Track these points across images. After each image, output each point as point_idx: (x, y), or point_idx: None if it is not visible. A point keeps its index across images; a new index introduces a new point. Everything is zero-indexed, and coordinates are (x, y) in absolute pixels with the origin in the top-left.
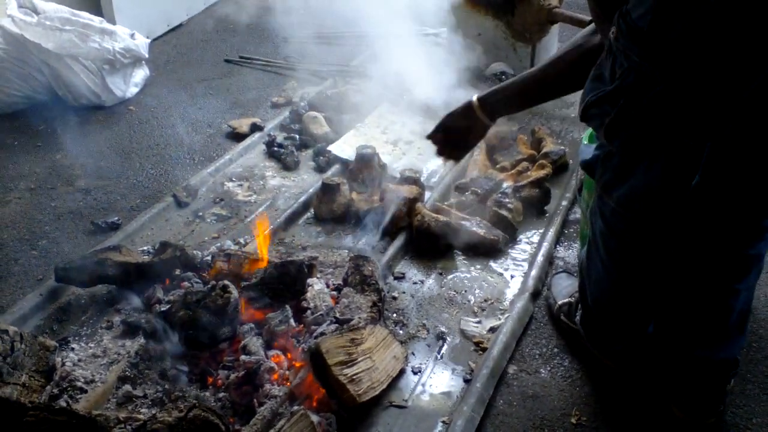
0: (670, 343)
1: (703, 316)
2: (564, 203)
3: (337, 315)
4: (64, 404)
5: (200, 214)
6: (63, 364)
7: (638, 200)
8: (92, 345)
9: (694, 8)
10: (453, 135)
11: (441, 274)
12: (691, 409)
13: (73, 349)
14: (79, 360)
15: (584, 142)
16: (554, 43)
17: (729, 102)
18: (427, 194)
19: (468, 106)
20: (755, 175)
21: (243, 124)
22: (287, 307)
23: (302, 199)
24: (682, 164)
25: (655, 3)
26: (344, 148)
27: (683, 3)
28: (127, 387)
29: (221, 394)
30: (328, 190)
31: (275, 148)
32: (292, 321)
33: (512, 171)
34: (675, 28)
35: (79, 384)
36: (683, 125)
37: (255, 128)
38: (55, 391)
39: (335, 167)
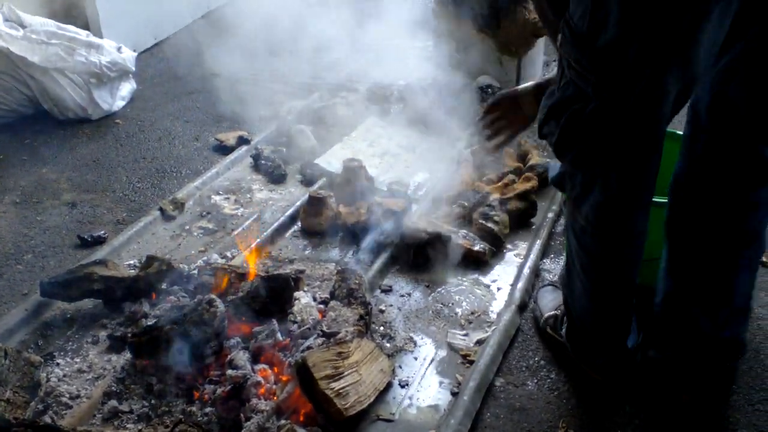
0: (678, 320)
1: (709, 291)
2: (550, 215)
3: (324, 328)
4: (49, 420)
5: (187, 227)
6: (48, 380)
7: (601, 215)
8: (78, 360)
9: (628, 5)
10: (501, 116)
11: (428, 286)
12: (697, 390)
13: (58, 364)
14: (65, 375)
15: None
16: (539, 57)
17: (658, 117)
18: (414, 207)
19: (521, 92)
20: None
21: (230, 137)
22: (274, 320)
23: (289, 212)
24: (635, 177)
25: (591, 2)
26: (331, 161)
27: (610, 4)
28: (113, 402)
29: (208, 409)
30: (314, 203)
31: (262, 162)
32: (278, 335)
33: (499, 183)
34: (605, 32)
35: (64, 399)
36: (623, 139)
37: (242, 141)
38: (40, 407)
39: (322, 180)
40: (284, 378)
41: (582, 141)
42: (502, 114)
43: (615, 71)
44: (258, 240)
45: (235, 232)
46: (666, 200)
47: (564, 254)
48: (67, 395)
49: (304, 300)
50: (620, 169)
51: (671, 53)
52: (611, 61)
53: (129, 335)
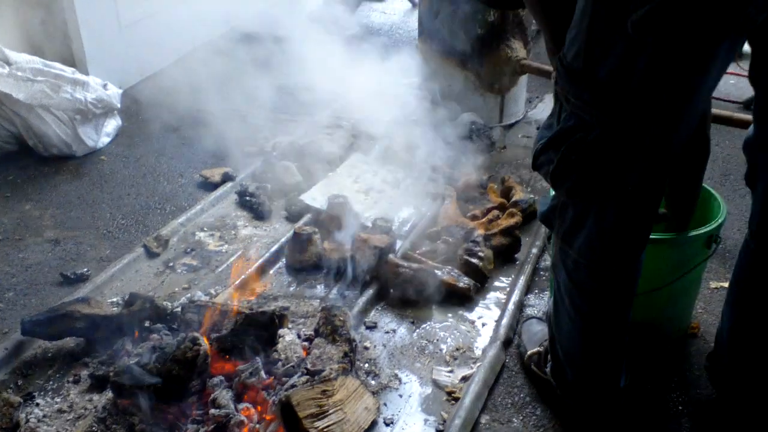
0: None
1: None
2: (534, 251)
3: (309, 366)
4: None
5: (171, 264)
6: (27, 421)
7: (596, 249)
8: (58, 400)
9: (621, 41)
10: None
11: (413, 323)
12: None
13: (38, 404)
14: (44, 416)
15: (551, 194)
16: (522, 94)
17: (661, 146)
18: (399, 243)
19: None
20: None
21: (215, 174)
22: (257, 358)
23: (274, 248)
24: (634, 210)
25: (585, 41)
26: (316, 198)
27: (610, 36)
28: None
29: None
30: (299, 239)
31: (247, 198)
32: (262, 373)
33: (483, 219)
34: (605, 64)
35: None
36: (625, 170)
37: (227, 177)
38: None
39: (307, 217)
40: (268, 417)
41: (581, 169)
42: None
43: (617, 102)
44: (242, 277)
45: (220, 269)
46: (656, 236)
47: (549, 290)
48: None
49: (288, 337)
50: (619, 199)
51: (676, 81)
52: (613, 93)
53: (111, 374)
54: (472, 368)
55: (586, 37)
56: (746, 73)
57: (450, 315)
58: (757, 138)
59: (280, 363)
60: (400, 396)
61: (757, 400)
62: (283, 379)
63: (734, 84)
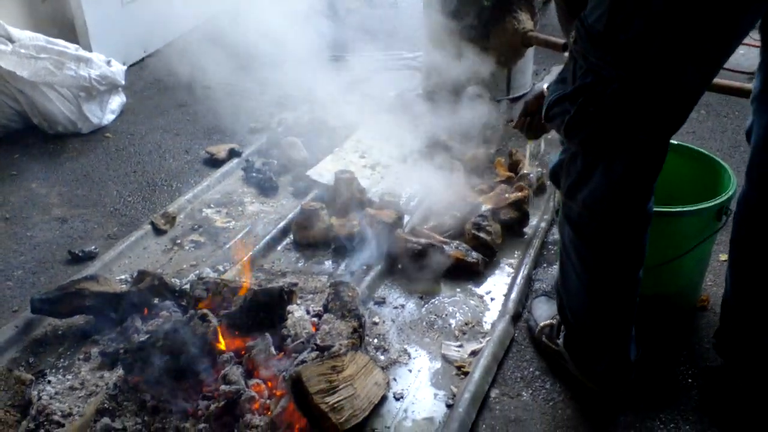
0: (744, 331)
1: None
2: (543, 225)
3: (318, 342)
4: None
5: (178, 241)
6: (39, 398)
7: (602, 200)
8: (69, 377)
9: (646, 10)
10: (531, 117)
11: (421, 298)
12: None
13: (49, 381)
14: (56, 393)
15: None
16: (529, 66)
17: (681, 100)
18: (406, 218)
19: (539, 94)
20: None
21: (221, 150)
22: (267, 334)
23: (281, 224)
24: (642, 163)
25: (609, 6)
26: (323, 173)
27: (635, 5)
28: (106, 420)
29: (201, 425)
30: (307, 215)
31: (253, 174)
32: (272, 349)
33: (490, 194)
34: (628, 29)
35: (56, 418)
36: (639, 122)
37: (233, 154)
38: (32, 425)
39: (314, 192)
40: (278, 393)
41: (598, 120)
42: (530, 115)
43: (637, 64)
44: (250, 253)
45: (227, 246)
46: (665, 209)
47: (557, 263)
48: (59, 413)
49: (297, 313)
50: (630, 151)
51: (694, 49)
52: (633, 56)
53: (121, 351)
54: (481, 342)
55: (610, 4)
56: (757, 44)
57: (458, 290)
58: (761, 91)
59: (289, 339)
60: (410, 371)
61: (759, 362)
62: (293, 354)
63: (744, 54)
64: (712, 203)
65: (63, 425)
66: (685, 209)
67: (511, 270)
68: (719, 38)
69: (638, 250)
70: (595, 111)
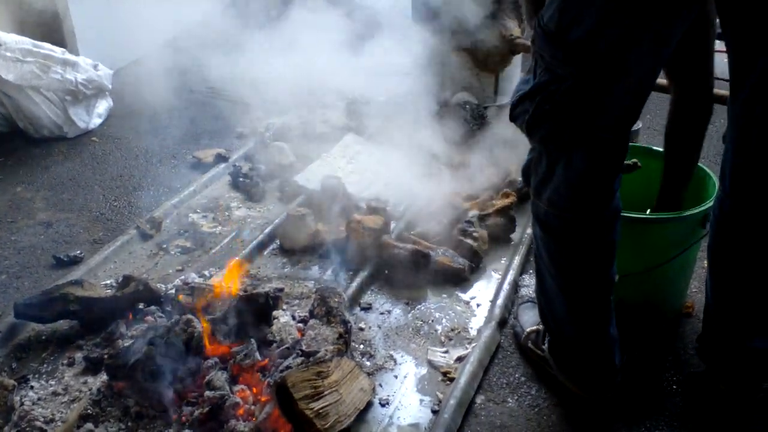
0: (725, 336)
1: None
2: (529, 231)
3: (303, 347)
4: None
5: (164, 246)
6: (22, 404)
7: (565, 198)
8: (53, 383)
9: (592, 9)
10: None
11: (408, 303)
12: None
13: (32, 387)
14: (39, 399)
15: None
16: (516, 73)
17: (630, 95)
18: (393, 224)
19: None
20: None
21: (208, 155)
22: (252, 340)
23: (268, 230)
24: (602, 158)
25: (559, 6)
26: (310, 179)
27: (582, 4)
28: (89, 425)
29: (186, 431)
30: (293, 220)
31: (240, 179)
32: (257, 354)
33: (478, 200)
34: (577, 28)
35: (38, 424)
36: (593, 118)
37: (220, 159)
38: (14, 431)
39: (301, 198)
40: (263, 398)
41: (554, 117)
42: None
43: (586, 61)
44: (237, 258)
45: (214, 251)
46: (650, 216)
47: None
48: (42, 419)
49: (283, 319)
50: (588, 146)
51: (639, 45)
52: (582, 54)
53: (105, 356)
54: (467, 348)
55: (560, 4)
56: None
57: (445, 295)
58: (730, 95)
59: (274, 344)
60: (396, 377)
61: (741, 367)
62: (278, 360)
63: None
64: (697, 210)
65: (46, 431)
66: (669, 216)
67: (498, 276)
68: (661, 32)
69: (606, 248)
70: (550, 108)
